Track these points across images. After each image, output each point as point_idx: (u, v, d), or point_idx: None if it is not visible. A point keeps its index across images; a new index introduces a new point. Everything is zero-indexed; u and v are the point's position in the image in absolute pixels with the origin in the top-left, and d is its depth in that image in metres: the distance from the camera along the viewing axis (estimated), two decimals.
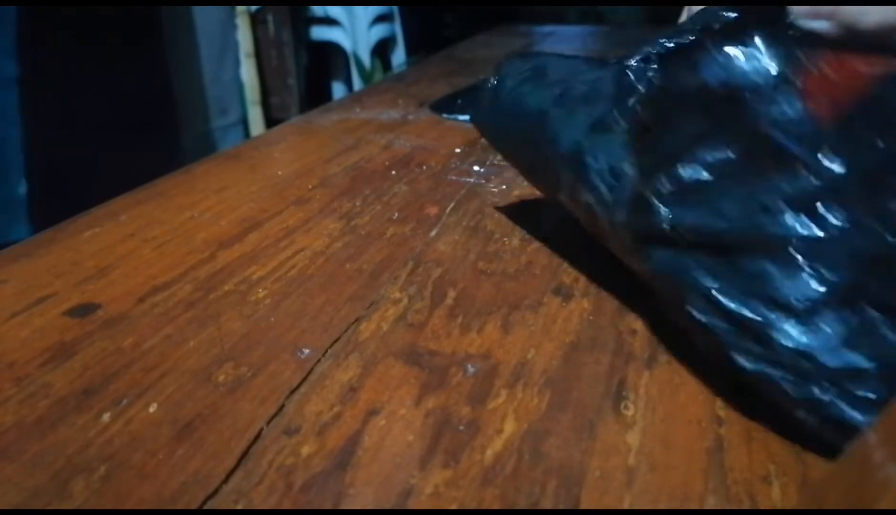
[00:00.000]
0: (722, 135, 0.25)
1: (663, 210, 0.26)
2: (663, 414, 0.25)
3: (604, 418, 0.25)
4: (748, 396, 0.26)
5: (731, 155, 0.25)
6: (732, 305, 0.24)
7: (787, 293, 0.23)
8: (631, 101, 0.29)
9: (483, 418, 0.25)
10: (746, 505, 0.21)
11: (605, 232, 0.30)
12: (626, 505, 0.21)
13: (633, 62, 0.31)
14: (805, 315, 0.22)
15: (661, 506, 0.21)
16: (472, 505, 0.21)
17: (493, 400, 0.26)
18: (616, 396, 0.26)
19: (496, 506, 0.21)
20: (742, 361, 0.23)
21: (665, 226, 0.26)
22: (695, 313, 0.25)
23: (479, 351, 0.29)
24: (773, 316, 0.23)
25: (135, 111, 1.21)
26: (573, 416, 0.25)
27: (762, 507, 0.21)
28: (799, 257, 0.23)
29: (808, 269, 0.23)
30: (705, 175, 0.25)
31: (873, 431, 0.14)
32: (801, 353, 0.22)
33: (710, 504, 0.21)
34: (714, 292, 0.24)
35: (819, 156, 0.23)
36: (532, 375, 0.27)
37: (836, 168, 0.23)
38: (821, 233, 0.23)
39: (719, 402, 0.25)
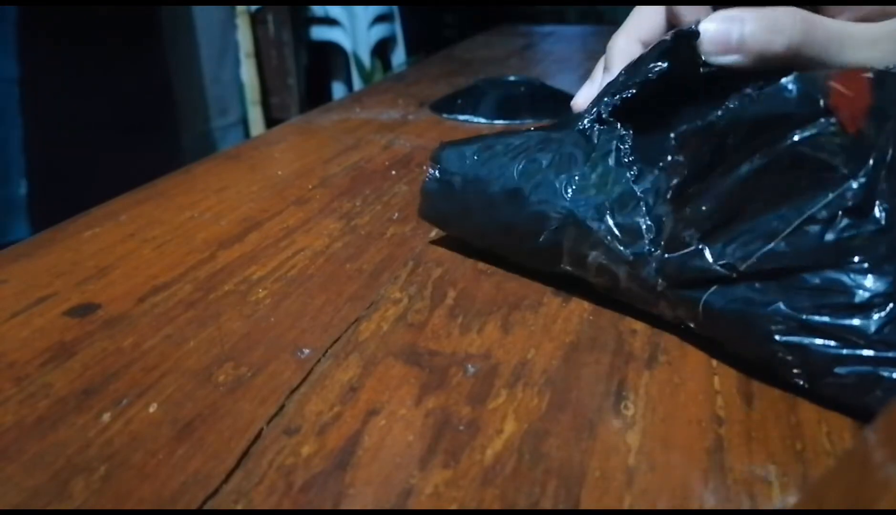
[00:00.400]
0: (753, 163, 0.25)
1: (707, 249, 0.26)
2: (663, 414, 0.25)
3: (604, 418, 0.25)
4: (747, 395, 0.26)
5: (767, 180, 0.25)
6: (815, 318, 0.24)
7: (860, 293, 0.23)
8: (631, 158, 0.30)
9: (483, 418, 0.25)
10: (746, 505, 0.21)
11: (627, 289, 0.30)
12: (626, 505, 0.21)
13: (587, 124, 0.32)
14: (883, 308, 0.23)
15: (661, 506, 0.21)
16: (472, 505, 0.21)
17: (493, 400, 0.26)
18: (616, 396, 0.26)
19: (496, 506, 0.21)
20: (840, 369, 0.23)
21: (712, 264, 0.26)
22: (779, 338, 0.24)
23: (479, 351, 0.29)
24: (851, 317, 0.23)
25: (135, 111, 1.21)
26: (573, 416, 0.25)
27: (762, 507, 0.21)
28: (857, 257, 0.23)
29: (870, 265, 0.23)
30: (742, 204, 0.25)
31: (873, 431, 0.14)
32: (887, 343, 0.23)
33: (710, 504, 0.21)
34: (792, 311, 0.24)
35: (853, 161, 0.23)
36: (532, 375, 0.27)
37: (870, 166, 0.23)
38: (872, 228, 0.23)
39: (719, 402, 0.25)
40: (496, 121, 0.66)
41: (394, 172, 0.52)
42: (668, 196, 0.28)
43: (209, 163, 0.56)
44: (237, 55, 1.89)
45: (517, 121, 0.65)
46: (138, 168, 0.59)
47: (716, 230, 0.26)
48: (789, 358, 0.25)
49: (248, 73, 1.91)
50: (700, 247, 0.27)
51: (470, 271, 0.36)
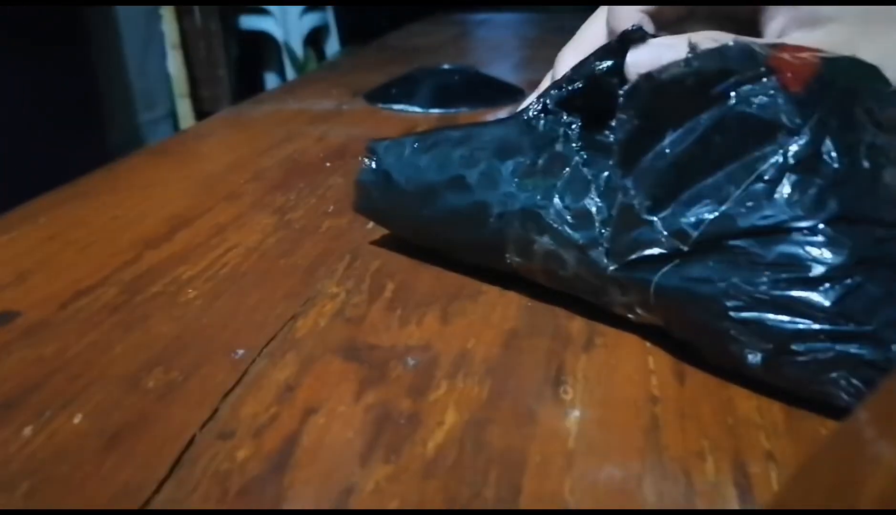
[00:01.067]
0: (699, 122, 0.25)
1: (657, 219, 0.26)
2: (600, 396, 0.25)
3: (543, 403, 0.25)
4: (680, 374, 0.26)
5: (712, 140, 0.25)
6: (772, 292, 0.23)
7: (817, 266, 0.23)
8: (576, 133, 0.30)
9: (424, 410, 0.25)
10: (682, 482, 0.21)
11: (575, 277, 0.29)
12: (566, 489, 0.21)
13: (532, 114, 0.31)
14: (840, 281, 0.23)
15: (600, 488, 0.21)
16: (413, 499, 0.21)
17: (433, 392, 0.26)
18: (555, 381, 0.26)
19: (438, 499, 0.21)
20: (796, 345, 0.23)
21: (664, 234, 0.25)
22: (734, 314, 0.24)
23: (419, 343, 0.29)
24: (808, 290, 0.23)
25: (57, 107, 1.16)
26: (513, 403, 0.25)
27: (697, 483, 0.21)
28: (808, 215, 0.23)
29: (825, 233, 0.23)
30: (689, 167, 0.25)
31: (864, 408, 0.14)
32: (845, 316, 0.22)
33: (648, 482, 0.21)
34: (748, 286, 0.24)
35: (797, 118, 0.23)
36: (472, 365, 0.27)
37: (814, 122, 0.23)
38: (820, 183, 0.23)
39: (654, 381, 0.26)
40: (431, 110, 0.65)
41: (328, 164, 0.51)
42: (616, 158, 0.28)
43: (134, 159, 0.54)
44: (163, 46, 1.83)
45: (453, 110, 0.65)
46: (63, 168, 0.57)
47: (665, 197, 0.26)
48: (744, 336, 0.24)
49: (174, 65, 1.85)
50: (650, 217, 0.26)
51: (408, 263, 0.36)
